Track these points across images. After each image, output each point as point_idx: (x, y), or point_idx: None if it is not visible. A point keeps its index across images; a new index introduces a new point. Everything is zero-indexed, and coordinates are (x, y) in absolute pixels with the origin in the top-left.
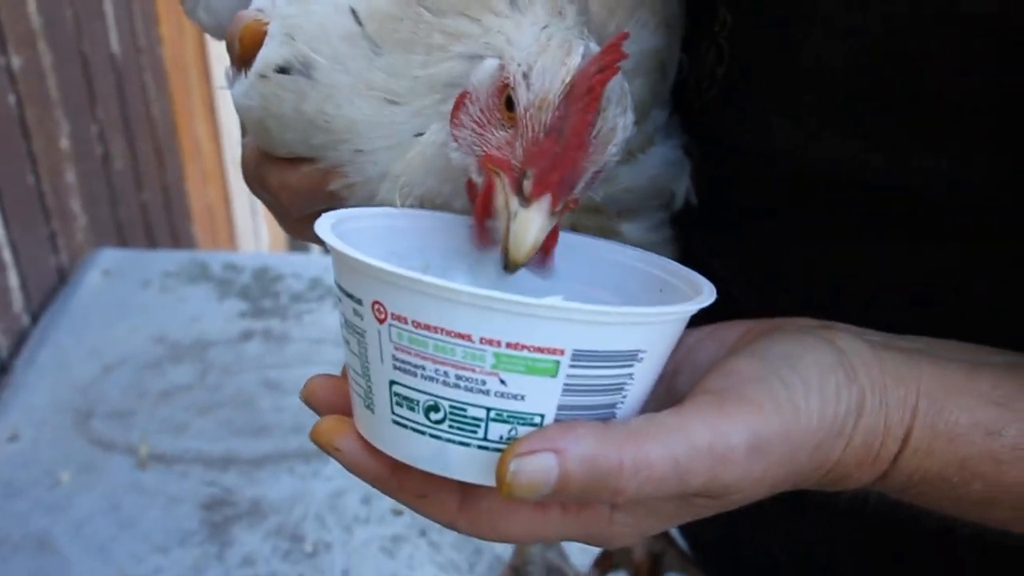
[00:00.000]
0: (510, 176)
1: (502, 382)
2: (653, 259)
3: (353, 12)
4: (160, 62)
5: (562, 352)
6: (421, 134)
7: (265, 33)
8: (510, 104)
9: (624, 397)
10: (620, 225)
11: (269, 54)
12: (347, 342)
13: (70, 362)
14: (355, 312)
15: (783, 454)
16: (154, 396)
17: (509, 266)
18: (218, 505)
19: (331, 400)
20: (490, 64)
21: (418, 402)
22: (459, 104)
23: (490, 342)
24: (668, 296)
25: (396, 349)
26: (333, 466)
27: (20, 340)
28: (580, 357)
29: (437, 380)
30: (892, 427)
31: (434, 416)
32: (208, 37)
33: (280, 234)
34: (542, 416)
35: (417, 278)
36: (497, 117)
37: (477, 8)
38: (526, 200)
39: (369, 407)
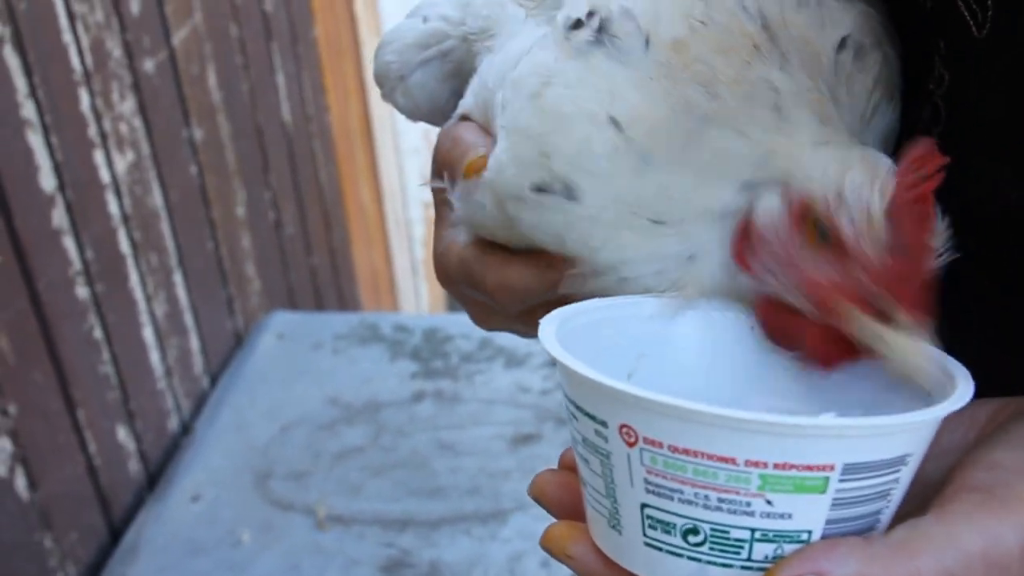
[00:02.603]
0: (866, 309)
1: (768, 503)
2: None
3: (614, 122)
4: (328, 129)
5: (832, 468)
6: (693, 257)
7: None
8: (821, 231)
9: (889, 502)
10: None
11: (519, 176)
12: (585, 460)
13: (248, 423)
14: (597, 433)
15: None
16: (329, 457)
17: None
18: (397, 567)
19: (562, 499)
20: (771, 199)
21: (675, 525)
22: (743, 237)
23: (756, 464)
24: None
25: (648, 473)
26: (511, 529)
27: (201, 402)
28: (850, 470)
29: (697, 504)
30: None
31: (693, 539)
32: (373, 104)
33: (440, 293)
34: (809, 532)
35: (674, 403)
36: (806, 250)
37: (745, 121)
38: (899, 326)
39: (615, 527)
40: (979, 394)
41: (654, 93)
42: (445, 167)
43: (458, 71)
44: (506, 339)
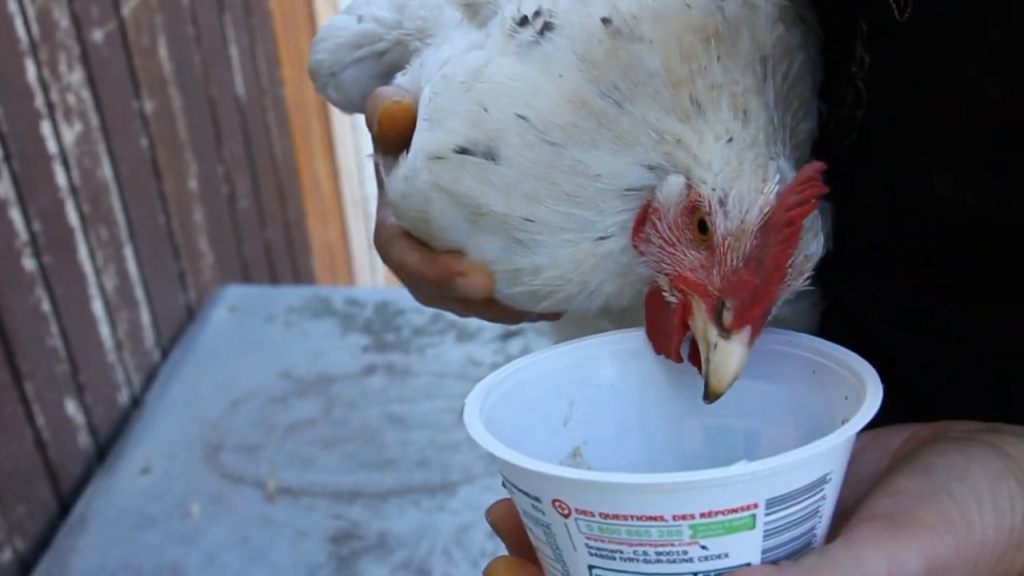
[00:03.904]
0: (707, 303)
1: (703, 547)
2: (803, 340)
3: (524, 119)
4: (282, 103)
5: (756, 506)
6: (604, 238)
7: (407, 114)
8: (702, 227)
9: (820, 518)
10: None
11: (444, 137)
12: (530, 530)
13: (199, 397)
14: (534, 508)
15: (963, 572)
16: (281, 430)
17: (710, 397)
18: (345, 538)
19: (519, 534)
20: (676, 181)
21: None
22: (642, 218)
23: (683, 517)
24: (822, 379)
25: (588, 538)
26: (459, 500)
27: (151, 376)
28: (774, 503)
29: (638, 559)
30: None
31: None
32: None
33: None
34: (748, 564)
35: (594, 479)
36: (688, 237)
37: (661, 110)
38: (726, 331)
39: None
40: (923, 387)
41: (571, 85)
42: (368, 122)
43: (391, 70)
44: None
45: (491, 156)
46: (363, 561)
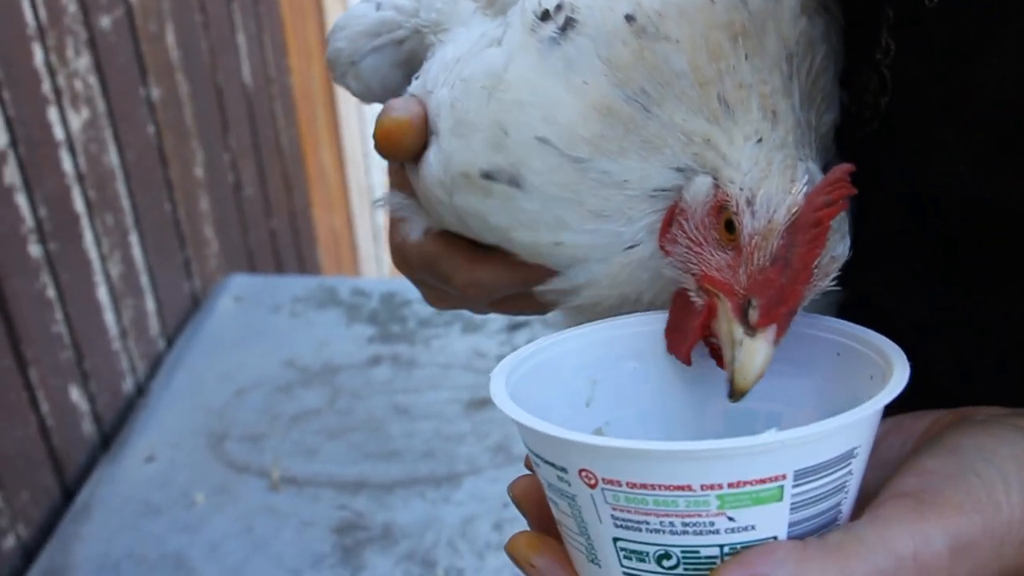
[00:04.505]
0: (733, 302)
1: (730, 519)
2: (827, 323)
3: (545, 142)
4: (289, 91)
5: (784, 477)
6: (632, 247)
7: (404, 127)
8: (730, 226)
9: (847, 494)
10: None
11: (472, 156)
12: (555, 503)
13: (204, 385)
14: (560, 479)
15: (989, 552)
16: (286, 420)
17: (735, 395)
18: (350, 529)
19: (541, 510)
20: (703, 182)
21: (648, 553)
22: (669, 219)
23: (711, 487)
24: (847, 360)
25: (614, 509)
26: (464, 492)
27: (156, 363)
28: (802, 475)
29: (664, 531)
30: None
31: (667, 563)
32: None
33: None
34: (775, 538)
35: (624, 446)
36: (715, 237)
37: (689, 111)
38: (751, 329)
39: (594, 562)
40: (944, 379)
41: (596, 92)
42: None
43: (411, 58)
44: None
45: (515, 183)
46: (367, 552)
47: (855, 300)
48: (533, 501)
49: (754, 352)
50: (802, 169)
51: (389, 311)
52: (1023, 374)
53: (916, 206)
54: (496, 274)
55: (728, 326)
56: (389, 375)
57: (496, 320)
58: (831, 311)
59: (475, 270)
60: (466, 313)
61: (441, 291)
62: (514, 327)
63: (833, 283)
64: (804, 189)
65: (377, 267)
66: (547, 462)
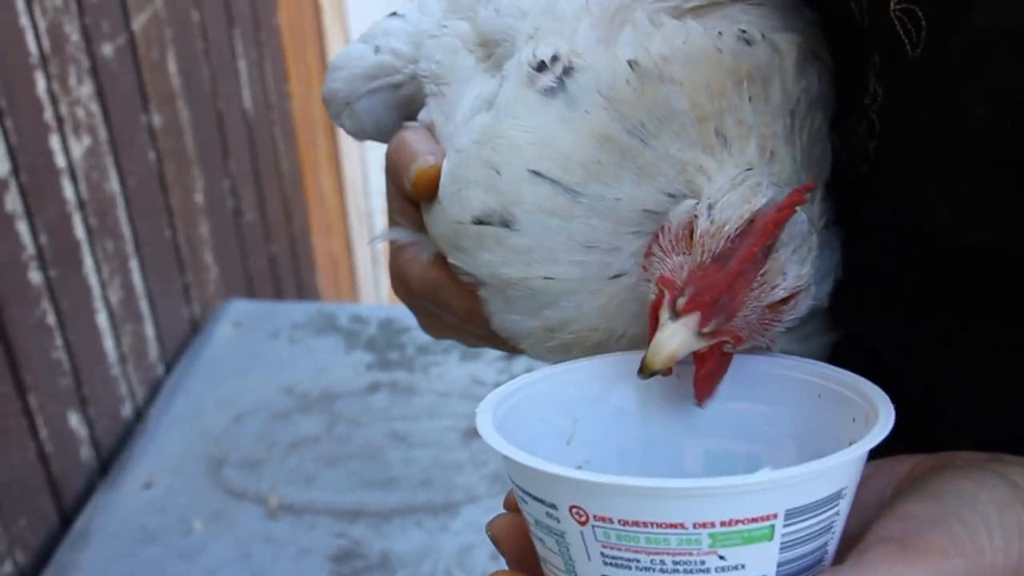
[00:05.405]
0: (672, 294)
1: (721, 557)
2: (808, 366)
3: (537, 174)
4: (289, 117)
5: (776, 516)
6: (619, 275)
7: (437, 172)
8: (693, 233)
9: (833, 534)
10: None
11: (463, 207)
12: (541, 540)
13: (202, 411)
14: (549, 515)
15: None
16: (284, 446)
17: (643, 371)
18: (347, 557)
19: (520, 547)
20: (686, 206)
21: None
22: (653, 241)
23: (704, 525)
24: (828, 403)
25: (604, 547)
26: (461, 521)
27: (155, 389)
28: (793, 514)
29: (654, 570)
30: None
31: None
32: None
33: None
34: None
35: (619, 483)
36: (682, 246)
37: (686, 143)
38: (676, 315)
39: None
40: (933, 421)
41: (596, 122)
42: (391, 170)
43: (408, 102)
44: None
45: (506, 223)
46: None
47: (849, 340)
48: (513, 540)
49: (672, 333)
50: (770, 188)
51: (387, 338)
52: (1012, 412)
53: (902, 249)
54: None
55: (661, 317)
56: (387, 402)
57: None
58: (825, 352)
59: (473, 300)
60: None
61: (438, 319)
62: (512, 355)
63: (794, 314)
64: (763, 202)
65: (376, 291)
66: (535, 498)
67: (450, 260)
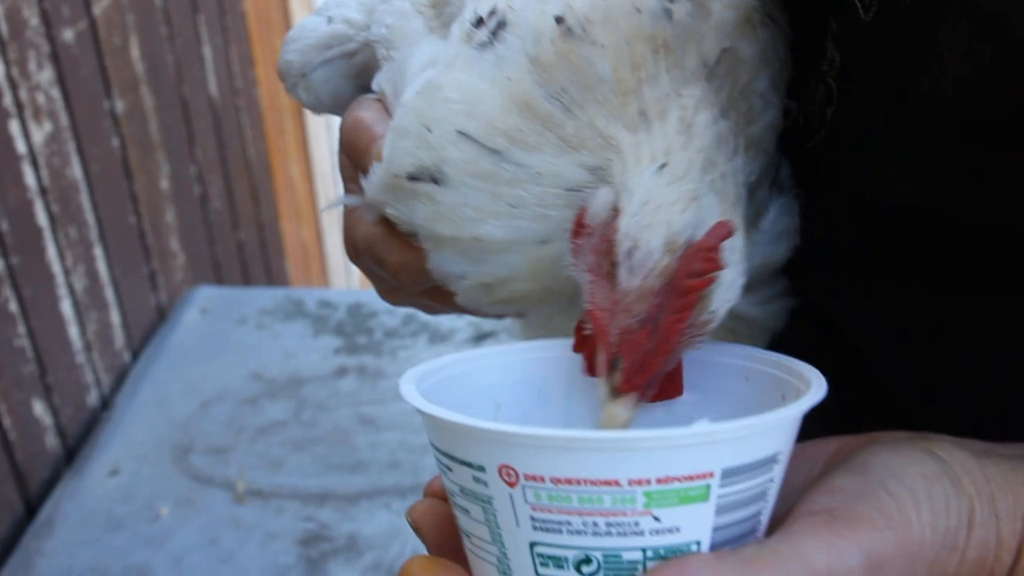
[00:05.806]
0: (606, 352)
1: (656, 519)
2: (734, 349)
3: (464, 135)
4: (256, 103)
5: (712, 475)
6: (546, 242)
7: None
8: (615, 267)
9: (767, 502)
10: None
11: (400, 160)
12: (465, 510)
13: (169, 398)
14: (476, 480)
15: (902, 571)
16: (251, 432)
17: None
18: (315, 540)
19: (441, 533)
20: (604, 198)
21: (566, 559)
22: (578, 227)
23: (639, 482)
24: (755, 383)
25: (534, 509)
26: None
27: (121, 376)
28: (729, 474)
29: (586, 532)
30: (1005, 539)
31: (587, 569)
32: None
33: None
34: (698, 543)
35: (552, 435)
36: (605, 269)
37: (609, 116)
38: (615, 391)
39: (506, 573)
40: (891, 388)
41: (519, 87)
42: (348, 148)
43: (363, 71)
44: (430, 315)
45: (436, 180)
46: (332, 563)
47: (803, 305)
48: (432, 524)
49: (614, 417)
50: (691, 212)
51: (356, 322)
52: (967, 378)
53: (861, 215)
54: (424, 258)
55: (600, 375)
56: (355, 386)
57: (462, 331)
58: (783, 318)
59: (406, 252)
60: (432, 324)
61: (386, 280)
62: (480, 337)
63: (777, 293)
64: (683, 247)
65: (347, 278)
66: (462, 462)
67: (387, 211)
